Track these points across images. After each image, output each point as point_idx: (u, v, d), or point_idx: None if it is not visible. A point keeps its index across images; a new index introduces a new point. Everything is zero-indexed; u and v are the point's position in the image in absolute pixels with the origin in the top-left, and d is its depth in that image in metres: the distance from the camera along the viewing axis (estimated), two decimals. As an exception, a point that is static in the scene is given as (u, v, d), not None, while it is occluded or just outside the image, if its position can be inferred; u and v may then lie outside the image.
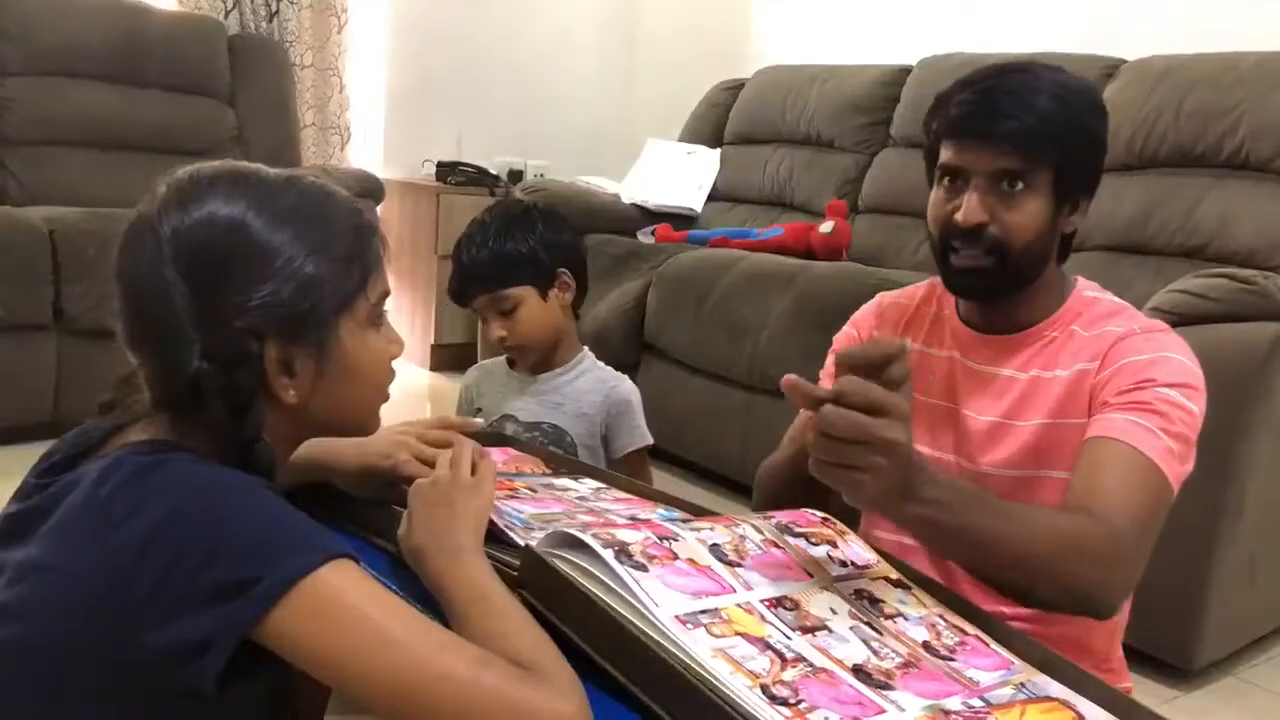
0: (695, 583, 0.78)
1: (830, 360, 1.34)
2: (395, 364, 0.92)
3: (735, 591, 0.79)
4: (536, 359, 1.62)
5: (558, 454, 1.39)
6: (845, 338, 1.35)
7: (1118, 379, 1.09)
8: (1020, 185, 1.11)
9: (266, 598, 0.68)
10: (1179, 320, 1.77)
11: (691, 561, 0.81)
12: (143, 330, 0.79)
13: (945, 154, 1.15)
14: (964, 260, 1.15)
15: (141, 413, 0.82)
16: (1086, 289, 1.21)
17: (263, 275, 0.77)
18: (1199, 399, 1.09)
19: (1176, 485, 1.06)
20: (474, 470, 0.91)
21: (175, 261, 0.76)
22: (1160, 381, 1.07)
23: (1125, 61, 2.77)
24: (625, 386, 1.66)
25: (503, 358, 1.70)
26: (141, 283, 0.78)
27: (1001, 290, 1.17)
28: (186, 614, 0.69)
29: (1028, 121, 1.09)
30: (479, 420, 1.31)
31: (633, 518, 1.03)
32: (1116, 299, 1.21)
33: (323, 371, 0.81)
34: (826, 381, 1.32)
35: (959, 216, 1.13)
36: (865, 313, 1.36)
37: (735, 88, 3.81)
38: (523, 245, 1.55)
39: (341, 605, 0.69)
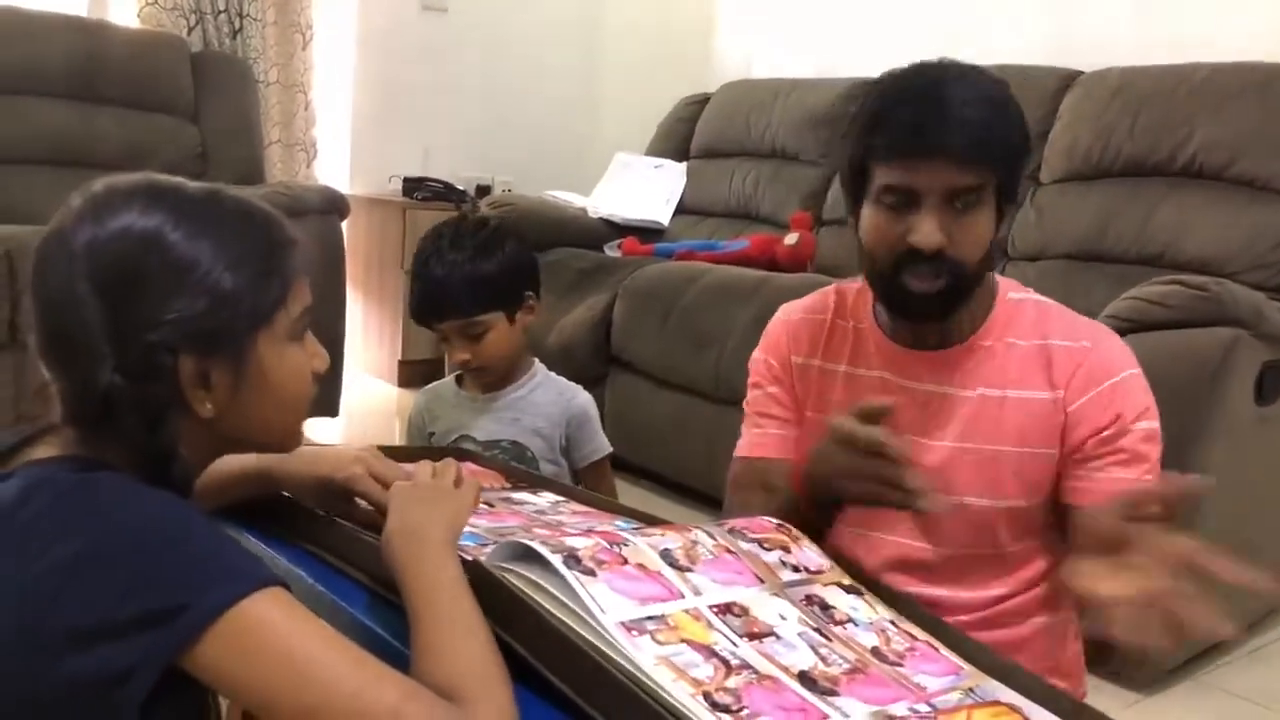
0: (643, 588, 0.78)
1: (756, 379, 1.27)
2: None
3: (684, 597, 0.80)
4: (494, 379, 1.62)
5: (517, 468, 1.39)
6: (763, 365, 1.27)
7: (1092, 416, 1.09)
8: (972, 202, 1.06)
9: (193, 626, 0.67)
10: (1134, 327, 1.80)
11: (641, 566, 0.81)
12: (55, 345, 0.78)
13: (888, 174, 1.07)
14: (921, 284, 1.08)
15: (50, 426, 0.80)
16: (1010, 290, 1.18)
17: (178, 289, 0.76)
18: (1154, 406, 1.11)
19: None
20: (457, 484, 0.91)
21: (88, 276, 0.74)
22: (1130, 417, 1.09)
23: (1082, 73, 2.81)
24: (583, 397, 1.66)
25: (450, 378, 1.70)
26: (54, 297, 0.76)
27: (955, 309, 1.12)
28: (110, 642, 0.67)
29: (977, 134, 1.04)
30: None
31: (589, 530, 1.03)
32: (1038, 296, 1.18)
33: (240, 385, 0.80)
34: (764, 391, 1.27)
35: (917, 241, 1.05)
36: (775, 336, 1.28)
37: (701, 102, 3.84)
38: (496, 269, 1.53)
39: (267, 636, 0.68)
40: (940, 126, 1.04)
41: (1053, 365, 1.11)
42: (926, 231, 1.05)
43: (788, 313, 1.29)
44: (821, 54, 3.71)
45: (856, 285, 1.23)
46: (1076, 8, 3.07)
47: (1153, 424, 1.10)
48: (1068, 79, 2.81)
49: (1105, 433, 1.09)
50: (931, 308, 1.11)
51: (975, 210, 1.07)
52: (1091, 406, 1.09)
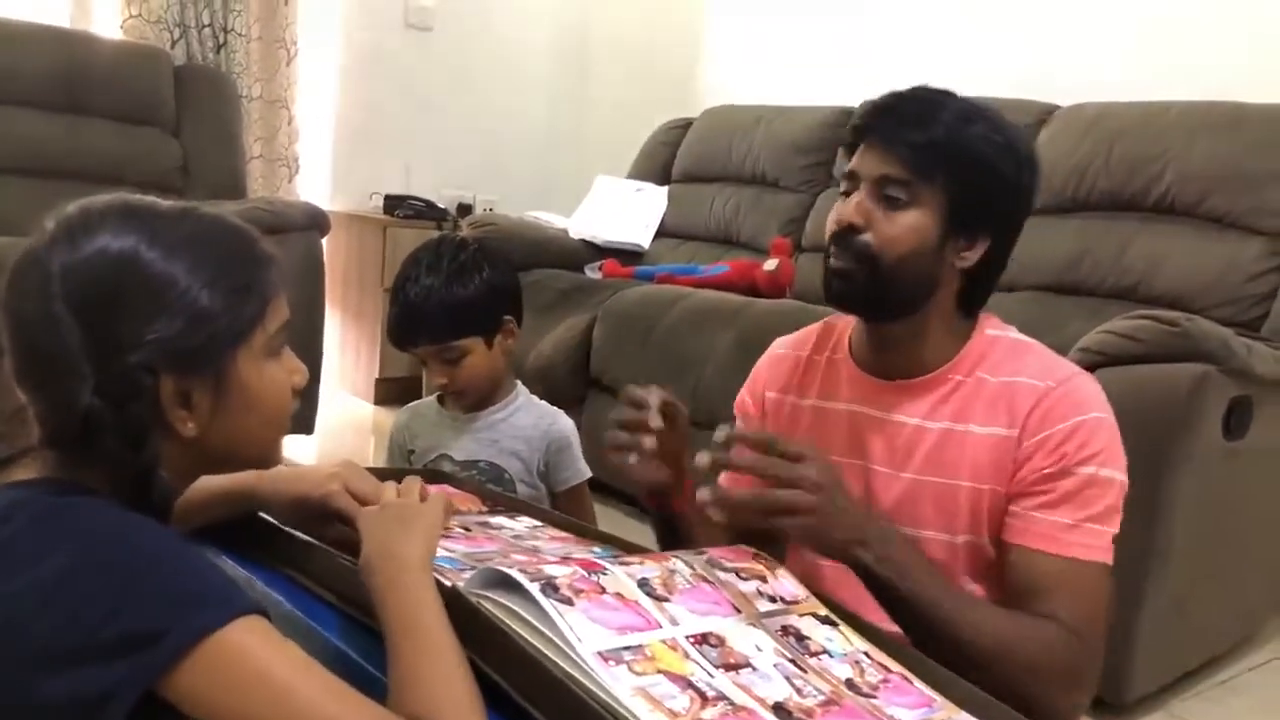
0: (621, 617, 0.78)
1: (738, 423, 1.31)
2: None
3: (661, 627, 0.80)
4: (475, 401, 1.62)
5: (495, 491, 1.39)
6: (739, 397, 1.33)
7: (1037, 456, 1.08)
8: (904, 197, 1.08)
9: (172, 652, 0.67)
10: (1105, 361, 1.82)
11: (619, 595, 0.81)
12: (32, 367, 0.77)
13: (848, 161, 1.13)
14: (835, 263, 1.12)
15: (28, 448, 0.80)
16: (989, 327, 1.18)
17: (156, 310, 0.76)
18: (1117, 457, 1.08)
19: (1110, 553, 1.09)
20: (423, 499, 0.91)
21: (65, 299, 0.74)
22: (1074, 460, 1.06)
23: (1059, 107, 2.85)
24: (564, 422, 1.66)
25: (433, 397, 1.70)
26: (30, 319, 0.76)
27: (874, 304, 1.13)
28: (87, 665, 0.67)
29: (921, 133, 1.07)
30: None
31: (567, 556, 1.03)
32: (1019, 335, 1.18)
33: (220, 403, 0.80)
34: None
35: (835, 216, 1.12)
36: (759, 370, 1.32)
37: (683, 126, 3.86)
38: (472, 294, 1.51)
39: (246, 664, 0.68)
40: (887, 117, 1.10)
41: (1015, 402, 1.10)
42: (844, 208, 1.11)
43: (775, 347, 1.32)
44: (804, 81, 3.74)
45: (850, 318, 1.24)
46: (1054, 43, 3.13)
47: (1101, 470, 1.07)
48: (1044, 113, 2.85)
49: (1045, 471, 1.07)
50: (844, 290, 1.13)
51: (905, 209, 1.09)
52: (1040, 446, 1.08)
